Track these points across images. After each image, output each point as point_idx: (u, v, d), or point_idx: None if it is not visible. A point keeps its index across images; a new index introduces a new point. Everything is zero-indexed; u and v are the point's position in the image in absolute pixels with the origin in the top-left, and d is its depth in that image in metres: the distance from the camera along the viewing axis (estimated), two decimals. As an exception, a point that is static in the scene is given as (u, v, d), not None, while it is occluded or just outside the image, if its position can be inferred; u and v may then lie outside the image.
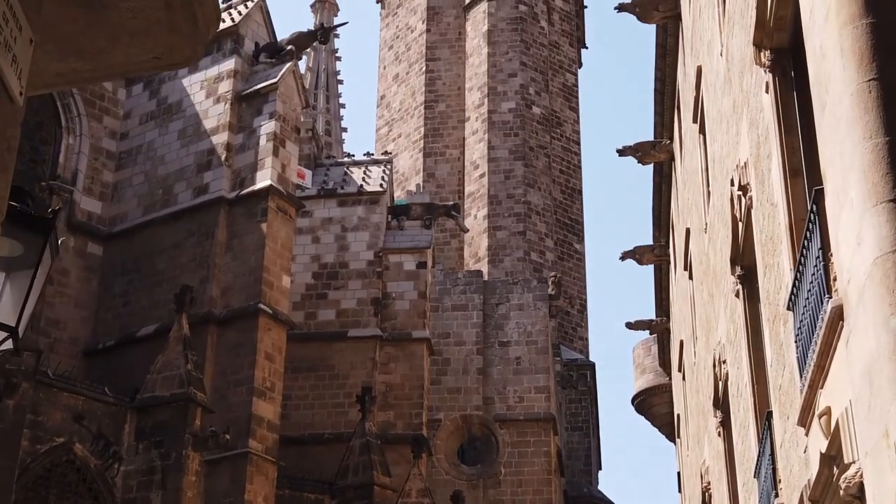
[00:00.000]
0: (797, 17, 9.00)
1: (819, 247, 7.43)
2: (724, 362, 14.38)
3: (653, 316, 29.78)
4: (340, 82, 65.94)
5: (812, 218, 7.60)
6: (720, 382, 14.98)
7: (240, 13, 26.64)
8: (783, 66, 9.58)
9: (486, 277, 39.22)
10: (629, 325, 29.45)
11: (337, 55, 66.46)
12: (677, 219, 23.45)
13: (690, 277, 20.33)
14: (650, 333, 30.96)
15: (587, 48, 54.09)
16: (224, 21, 26.66)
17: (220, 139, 25.23)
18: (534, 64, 48.26)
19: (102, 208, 26.23)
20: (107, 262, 25.81)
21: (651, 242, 27.39)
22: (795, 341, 8.43)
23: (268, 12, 26.94)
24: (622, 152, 24.08)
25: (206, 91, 25.94)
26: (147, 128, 26.72)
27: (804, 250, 7.87)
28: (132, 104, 27.21)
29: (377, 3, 54.66)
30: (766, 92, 9.65)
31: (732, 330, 13.47)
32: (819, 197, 7.48)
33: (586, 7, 54.28)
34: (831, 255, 7.12)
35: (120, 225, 26.10)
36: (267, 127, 24.78)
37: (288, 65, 25.41)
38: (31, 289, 5.47)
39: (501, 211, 45.00)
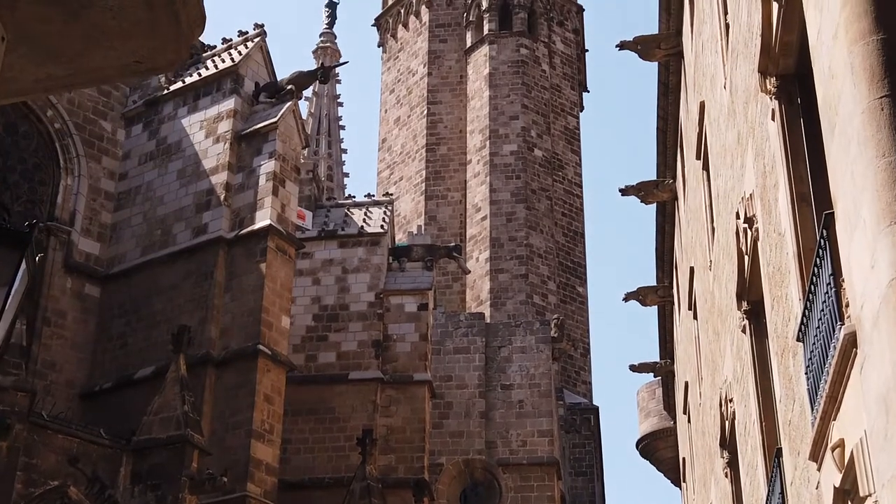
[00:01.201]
0: (803, 42, 8.88)
1: (830, 272, 7.25)
2: (731, 401, 14.17)
3: (657, 358, 29.55)
4: (342, 127, 66.13)
5: (822, 244, 7.42)
6: (727, 422, 14.76)
7: (240, 53, 26.60)
8: (789, 93, 9.45)
9: (488, 320, 38.97)
10: (633, 368, 29.20)
11: (339, 100, 66.73)
12: (681, 258, 23.32)
13: (695, 317, 20.20)
14: (654, 376, 30.71)
15: (588, 92, 54.20)
16: (224, 61, 26.62)
17: (219, 179, 25.09)
18: (535, 107, 48.28)
19: (100, 249, 26.03)
20: (104, 304, 25.58)
21: (654, 283, 27.24)
22: (806, 373, 8.23)
23: (268, 52, 26.90)
24: (625, 191, 23.98)
25: (206, 131, 25.83)
26: (146, 168, 26.60)
27: (814, 278, 7.69)
28: (131, 144, 27.11)
29: (378, 47, 54.84)
30: (773, 119, 9.52)
31: (739, 367, 13.28)
32: (829, 221, 7.31)
33: (587, 51, 54.43)
34: (843, 280, 6.95)
35: (118, 266, 25.90)
36: (267, 166, 24.65)
37: (288, 104, 25.31)
38: (6, 306, 5.21)
39: (503, 254, 44.81)
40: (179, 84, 27.03)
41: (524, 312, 42.44)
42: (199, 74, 26.83)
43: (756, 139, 10.71)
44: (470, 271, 42.83)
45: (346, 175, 60.97)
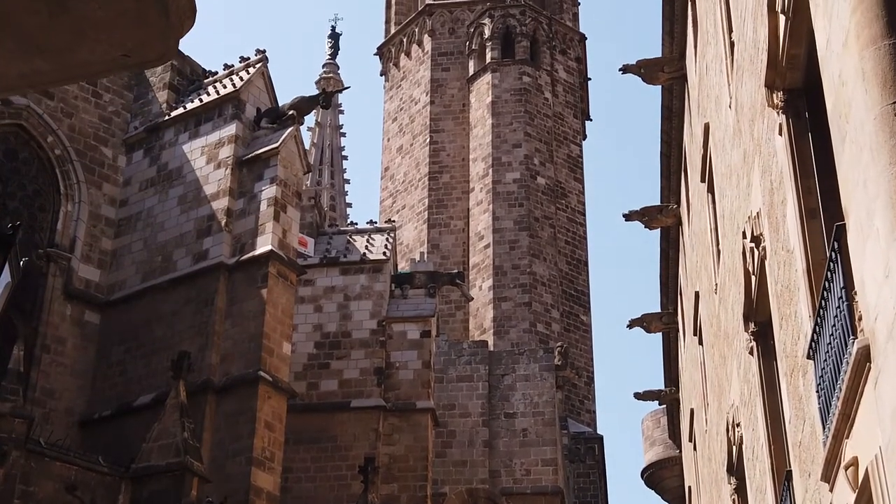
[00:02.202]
0: (811, 55, 8.78)
1: (842, 286, 7.10)
2: (738, 425, 14.01)
3: (661, 386, 29.35)
4: (345, 157, 66.20)
5: (833, 257, 7.27)
6: (734, 447, 14.60)
7: (241, 78, 26.51)
8: (797, 107, 9.33)
9: (491, 348, 38.75)
10: (637, 396, 29.03)
11: (341, 130, 66.81)
12: (685, 283, 23.21)
13: (700, 343, 20.09)
14: (659, 404, 30.51)
15: (591, 120, 54.20)
16: (225, 87, 26.54)
17: (220, 205, 24.95)
18: (538, 135, 48.22)
19: (101, 276, 25.87)
20: (104, 331, 25.39)
21: (659, 310, 27.09)
22: (817, 391, 8.06)
23: (270, 78, 26.81)
24: (629, 217, 23.89)
25: (207, 156, 25.72)
26: (147, 194, 26.47)
27: (825, 292, 7.54)
28: (132, 171, 27.01)
29: (381, 76, 54.87)
30: (780, 134, 9.40)
31: (746, 390, 13.13)
32: (840, 233, 7.16)
33: (590, 79, 54.45)
34: (855, 293, 6.80)
35: (118, 293, 25.72)
36: (268, 192, 24.52)
37: (289, 129, 25.19)
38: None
39: (507, 282, 44.62)
40: (181, 110, 26.96)
41: (527, 341, 42.21)
42: (201, 100, 26.75)
43: (763, 156, 10.59)
44: (473, 298, 42.63)
45: (349, 205, 61.00)
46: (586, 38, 53.84)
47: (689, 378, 23.86)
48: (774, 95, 9.46)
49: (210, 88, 27.07)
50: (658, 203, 24.20)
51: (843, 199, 7.06)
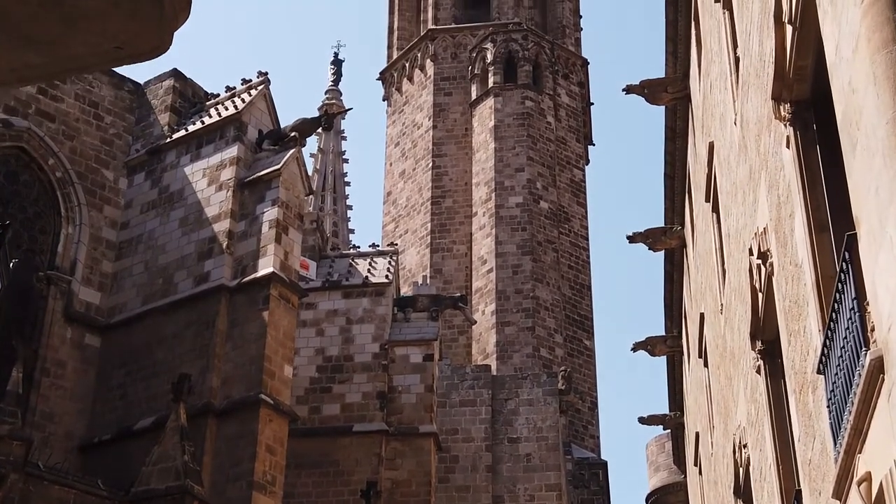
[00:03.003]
0: (818, 66, 8.69)
1: (853, 296, 6.97)
2: (745, 446, 13.90)
3: (666, 410, 29.20)
4: (347, 184, 66.15)
5: (844, 267, 7.14)
6: (741, 469, 14.48)
7: (243, 101, 26.42)
8: (804, 119, 9.25)
9: (494, 373, 38.54)
10: (642, 421, 28.88)
11: (344, 157, 66.82)
12: (690, 306, 23.11)
13: (706, 365, 20.03)
14: (664, 429, 30.31)
15: (594, 146, 54.15)
16: (227, 109, 26.46)
17: (221, 227, 24.82)
18: (541, 159, 48.16)
19: (101, 299, 25.72)
20: (104, 354, 25.21)
21: (663, 333, 26.97)
22: (828, 406, 7.92)
23: (271, 100, 26.72)
24: (633, 239, 23.81)
25: (209, 178, 25.61)
26: (148, 217, 26.35)
27: (836, 304, 7.42)
28: (133, 193, 26.90)
29: (383, 100, 54.88)
30: (787, 146, 9.31)
31: (753, 410, 13.02)
32: (851, 243, 7.03)
33: (592, 104, 54.45)
34: (867, 303, 6.67)
35: (119, 315, 25.55)
36: (269, 214, 24.38)
37: (291, 151, 25.08)
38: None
39: (510, 306, 44.43)
40: (182, 132, 26.87)
41: (531, 366, 41.99)
42: (203, 122, 26.67)
43: (769, 171, 10.50)
44: (476, 321, 42.45)
45: (352, 231, 60.88)
46: (588, 63, 53.89)
47: (695, 401, 23.71)
48: (782, 107, 9.38)
49: (212, 110, 26.99)
50: (662, 225, 24.14)
51: (854, 207, 6.95)
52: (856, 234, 6.93)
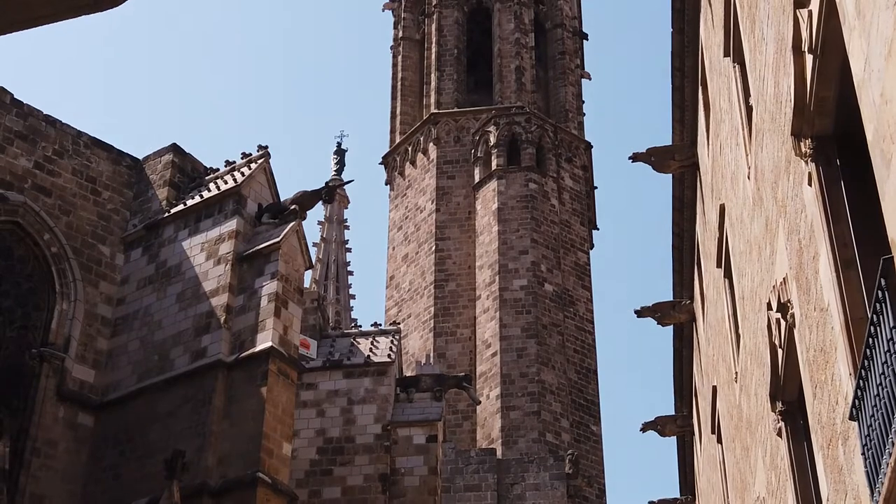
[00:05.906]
0: (841, 97, 8.27)
1: (892, 325, 6.39)
2: (765, 518, 13.17)
3: (677, 494, 28.49)
4: (350, 273, 65.83)
5: (879, 296, 6.58)
6: (761, 544, 13.70)
7: (242, 174, 26.08)
8: (827, 154, 8.80)
9: (499, 457, 37.69)
10: (652, 506, 28.07)
11: (347, 246, 66.56)
12: (700, 382, 22.58)
13: (719, 440, 19.45)
14: (675, 513, 29.41)
15: (598, 230, 53.73)
16: (227, 182, 26.11)
17: (219, 301, 24.27)
18: (545, 241, 47.74)
19: (95, 376, 25.06)
20: (98, 433, 24.48)
21: (673, 413, 26.38)
22: (863, 452, 7.32)
23: (271, 173, 26.37)
24: (641, 313, 23.38)
25: (207, 253, 25.13)
26: (145, 292, 25.81)
27: (870, 339, 6.84)
28: (130, 269, 26.39)
29: (386, 184, 54.67)
30: (809, 184, 8.82)
31: (774, 478, 12.41)
32: (888, 267, 6.48)
33: (596, 188, 54.21)
34: (907, 334, 6.08)
35: (113, 393, 24.86)
36: (269, 287, 23.84)
37: (291, 224, 24.64)
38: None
39: (515, 390, 43.65)
40: (181, 206, 26.48)
41: (537, 451, 41.08)
42: (202, 196, 26.29)
43: (788, 216, 10.03)
44: (480, 402, 41.66)
45: (354, 321, 60.30)
46: (592, 147, 53.75)
47: (707, 482, 23.02)
48: (802, 144, 8.94)
49: (211, 185, 26.64)
50: (671, 299, 23.68)
51: (890, 229, 6.43)
52: (892, 257, 6.43)
